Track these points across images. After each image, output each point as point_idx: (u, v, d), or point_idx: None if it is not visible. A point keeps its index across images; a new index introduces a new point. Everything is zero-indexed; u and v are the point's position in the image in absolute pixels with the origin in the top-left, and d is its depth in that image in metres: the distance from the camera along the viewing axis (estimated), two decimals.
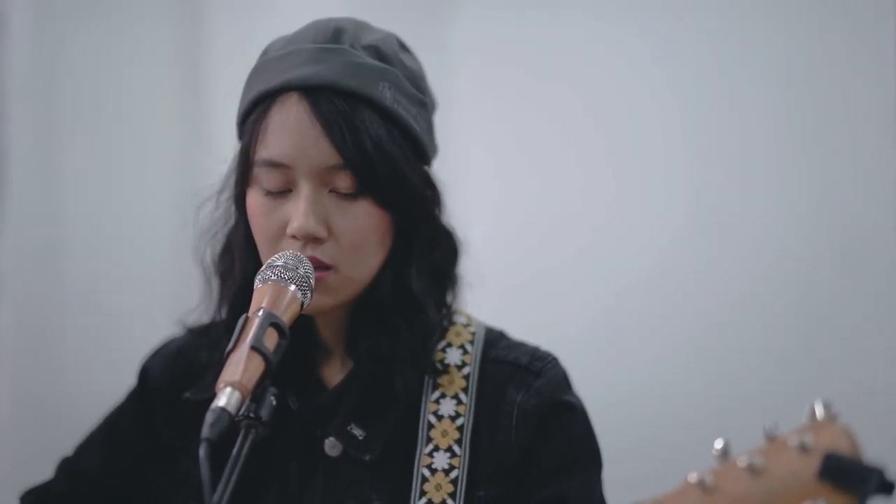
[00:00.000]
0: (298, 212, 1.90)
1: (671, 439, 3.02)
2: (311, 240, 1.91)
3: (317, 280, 1.88)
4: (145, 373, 2.21)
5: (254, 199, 1.97)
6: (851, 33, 2.99)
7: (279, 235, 1.93)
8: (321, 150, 1.90)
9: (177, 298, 2.16)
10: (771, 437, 1.46)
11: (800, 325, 3.04)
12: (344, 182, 1.92)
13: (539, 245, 3.22)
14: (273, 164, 1.92)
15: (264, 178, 1.94)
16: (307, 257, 1.89)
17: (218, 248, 2.10)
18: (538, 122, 3.24)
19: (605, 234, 3.18)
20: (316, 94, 1.92)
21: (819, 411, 1.44)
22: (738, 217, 3.11)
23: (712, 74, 3.12)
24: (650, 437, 3.05)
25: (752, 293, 3.09)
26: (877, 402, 2.87)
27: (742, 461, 1.45)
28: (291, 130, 1.91)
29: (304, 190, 1.91)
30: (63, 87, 3.36)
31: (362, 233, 1.93)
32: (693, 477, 1.48)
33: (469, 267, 2.09)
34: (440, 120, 2.11)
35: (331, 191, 1.93)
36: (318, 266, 1.90)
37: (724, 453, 1.48)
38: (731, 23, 3.13)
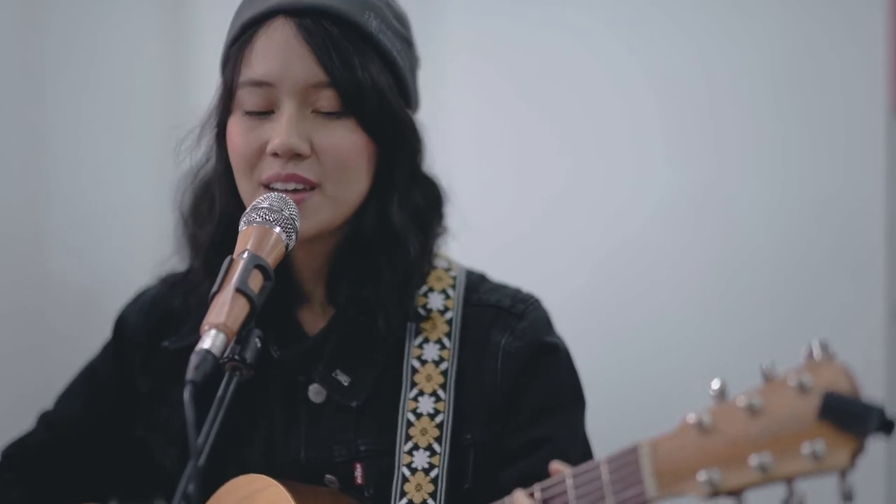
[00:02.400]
0: (281, 128, 1.88)
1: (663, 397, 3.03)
2: (292, 156, 1.88)
3: (300, 202, 1.86)
4: (121, 323, 2.20)
5: (234, 124, 1.94)
6: (836, 21, 2.98)
7: (259, 156, 1.90)
8: (307, 68, 1.89)
9: (160, 242, 2.13)
10: (769, 378, 1.44)
11: (777, 300, 3.04)
12: (328, 101, 1.90)
13: (525, 229, 3.22)
14: (257, 84, 1.90)
15: (247, 100, 1.92)
16: (287, 175, 1.87)
17: (197, 193, 2.07)
18: (523, 108, 3.22)
19: (589, 212, 3.18)
20: (302, 16, 1.90)
21: (816, 351, 1.42)
22: (718, 199, 3.11)
23: (693, 62, 3.11)
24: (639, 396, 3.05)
25: (730, 272, 3.09)
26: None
27: (741, 401, 1.44)
28: (277, 49, 1.90)
29: (287, 108, 1.89)
30: (46, 72, 3.31)
31: (345, 151, 1.91)
32: (691, 417, 1.47)
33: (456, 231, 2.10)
34: (429, 111, 2.09)
35: (314, 111, 1.91)
36: (302, 183, 1.88)
37: (722, 393, 1.47)
38: (712, 10, 3.12)
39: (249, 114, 1.91)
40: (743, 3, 3.05)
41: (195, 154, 2.04)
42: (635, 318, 2.94)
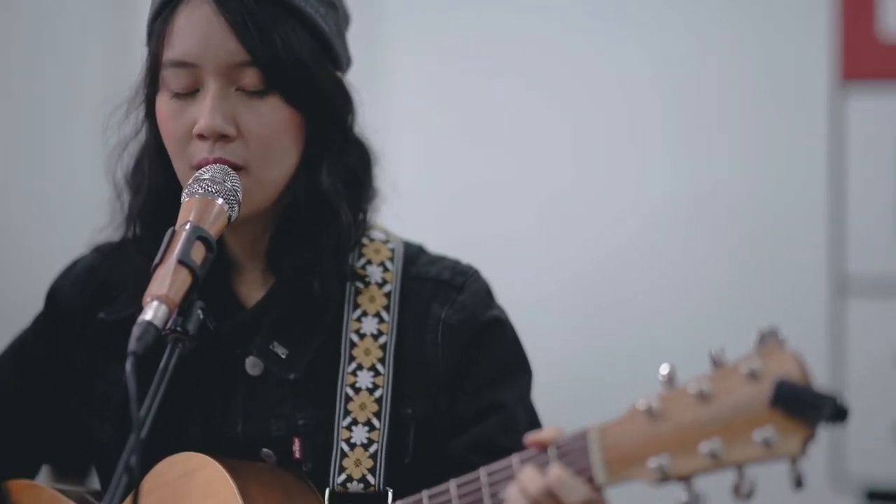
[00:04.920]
0: (205, 110, 1.86)
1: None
2: (218, 139, 1.86)
3: None
4: (54, 294, 2.15)
5: (162, 104, 1.91)
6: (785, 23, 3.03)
7: (188, 138, 1.88)
8: (227, 47, 1.86)
9: (96, 212, 2.09)
10: (719, 364, 1.45)
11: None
12: (251, 79, 1.87)
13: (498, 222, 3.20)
14: (179, 64, 1.88)
15: (171, 80, 1.89)
16: (214, 159, 1.85)
17: (130, 162, 2.03)
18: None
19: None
20: None
21: (767, 337, 1.43)
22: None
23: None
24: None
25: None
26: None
27: (691, 388, 1.44)
28: (197, 29, 1.87)
29: (211, 88, 1.86)
30: None
31: (271, 130, 1.88)
32: (641, 403, 1.47)
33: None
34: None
35: (238, 89, 1.88)
36: (229, 167, 1.85)
37: (671, 379, 1.47)
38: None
39: (176, 95, 1.89)
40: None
41: (124, 127, 2.01)
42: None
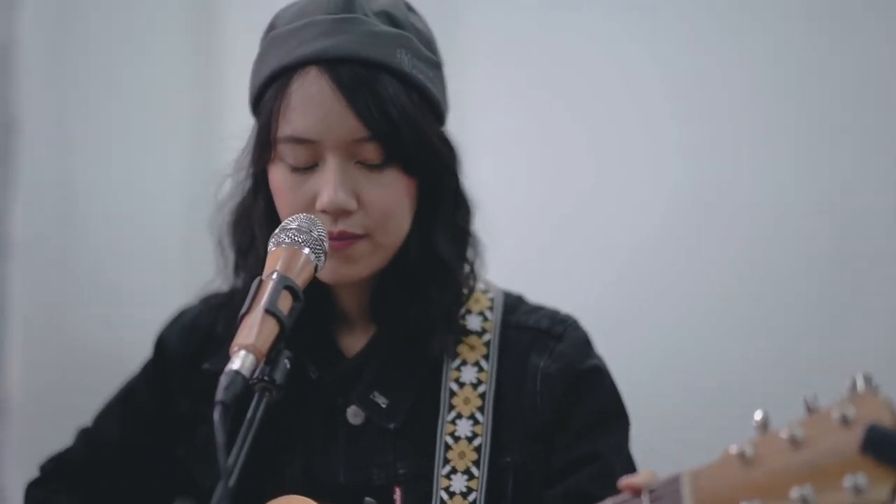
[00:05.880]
0: (328, 186, 1.87)
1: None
2: (341, 213, 1.88)
3: (348, 249, 1.87)
4: (162, 343, 2.19)
5: (279, 176, 1.93)
6: (845, 18, 2.97)
7: (307, 209, 1.89)
8: (347, 124, 1.87)
9: (188, 272, 2.13)
10: (812, 409, 1.42)
11: (790, 307, 3.01)
12: (371, 153, 1.88)
13: (549, 228, 3.18)
14: (298, 140, 1.88)
15: (289, 155, 1.90)
16: (338, 232, 1.87)
17: (234, 220, 2.06)
18: (548, 110, 3.19)
19: (613, 215, 3.15)
20: (336, 67, 1.87)
21: (860, 384, 1.39)
22: (732, 198, 3.08)
23: (710, 64, 3.08)
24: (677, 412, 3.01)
25: (748, 271, 3.06)
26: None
27: (783, 433, 1.41)
28: (315, 105, 1.87)
29: (332, 163, 1.88)
30: (76, 57, 3.33)
31: (391, 201, 1.90)
32: (733, 448, 1.44)
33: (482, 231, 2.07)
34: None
35: (358, 162, 1.89)
36: (351, 237, 1.88)
37: (765, 424, 1.44)
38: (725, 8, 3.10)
39: (295, 170, 1.90)
40: (755, 2, 3.04)
41: (230, 185, 2.05)
42: (654, 320, 2.90)
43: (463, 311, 2.03)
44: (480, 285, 2.08)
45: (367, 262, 1.91)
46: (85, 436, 2.22)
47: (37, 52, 3.24)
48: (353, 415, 1.99)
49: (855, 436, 1.35)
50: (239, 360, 1.60)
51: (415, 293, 1.97)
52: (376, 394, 1.98)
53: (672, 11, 3.10)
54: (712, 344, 3.01)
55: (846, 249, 2.94)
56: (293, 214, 1.89)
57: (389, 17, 1.93)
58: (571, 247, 3.13)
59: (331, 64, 1.87)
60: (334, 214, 1.88)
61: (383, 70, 1.88)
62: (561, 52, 3.17)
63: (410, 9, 2.01)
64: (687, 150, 3.10)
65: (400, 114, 1.87)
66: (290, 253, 1.77)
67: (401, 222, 1.93)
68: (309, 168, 1.90)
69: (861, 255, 2.93)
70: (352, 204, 1.87)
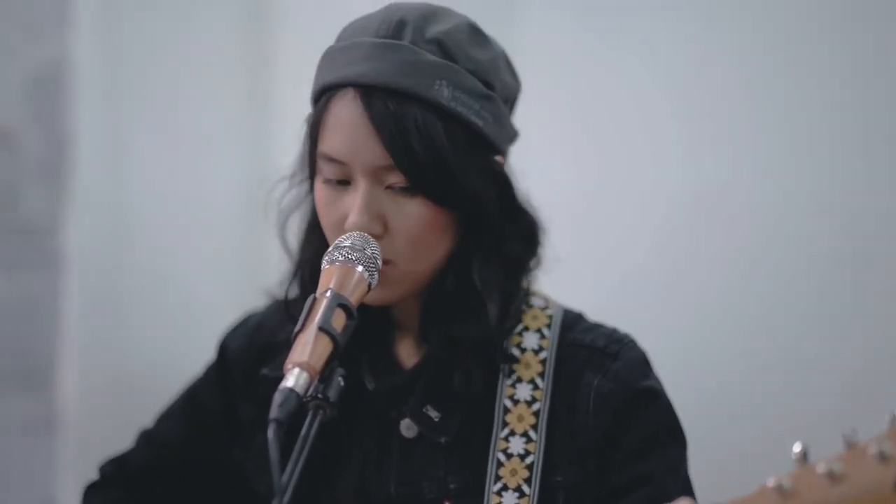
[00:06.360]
0: (354, 208, 1.89)
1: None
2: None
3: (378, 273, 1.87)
4: (224, 348, 2.23)
5: (318, 189, 1.96)
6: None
7: (340, 226, 1.92)
8: (373, 151, 1.88)
9: (244, 282, 2.15)
10: (850, 444, 1.42)
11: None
12: (398, 179, 1.89)
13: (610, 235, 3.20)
14: (330, 159, 1.91)
15: (325, 170, 1.93)
16: None
17: (298, 225, 2.10)
18: (605, 116, 3.21)
19: (680, 224, 3.14)
20: (370, 94, 1.88)
21: None
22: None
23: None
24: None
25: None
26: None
27: (821, 467, 1.41)
28: (345, 129, 1.89)
29: (361, 186, 1.90)
30: (130, 71, 3.36)
31: (418, 229, 1.91)
32: (771, 481, 1.44)
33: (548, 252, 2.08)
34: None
35: (387, 187, 1.91)
36: None
37: (803, 457, 1.45)
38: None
39: (331, 183, 1.93)
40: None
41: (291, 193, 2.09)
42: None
43: (521, 327, 2.04)
44: (540, 301, 2.08)
45: (395, 288, 1.92)
46: (146, 437, 2.26)
47: (91, 67, 3.28)
48: (407, 428, 2.01)
49: (891, 472, 1.36)
50: (293, 378, 1.62)
51: (455, 317, 1.98)
52: (429, 407, 1.99)
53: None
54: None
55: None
56: (329, 228, 1.94)
57: (440, 45, 1.92)
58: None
59: (366, 89, 1.89)
60: None
61: (417, 101, 1.88)
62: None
63: (474, 34, 1.98)
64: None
65: (425, 146, 1.87)
66: (344, 271, 1.80)
67: (429, 251, 1.93)
68: (343, 183, 1.92)
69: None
70: (376, 228, 1.89)
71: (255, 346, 2.18)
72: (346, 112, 1.90)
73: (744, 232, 3.04)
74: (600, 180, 3.16)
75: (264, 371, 2.11)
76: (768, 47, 3.02)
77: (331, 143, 1.91)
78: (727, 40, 3.07)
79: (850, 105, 2.94)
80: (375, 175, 1.90)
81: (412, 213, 1.90)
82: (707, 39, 3.08)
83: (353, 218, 1.89)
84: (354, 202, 1.89)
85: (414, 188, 1.90)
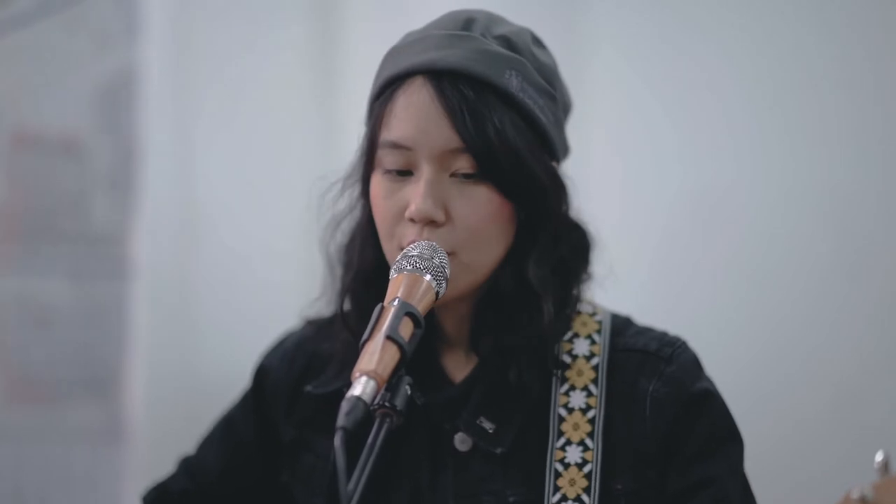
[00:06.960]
0: (417, 194, 1.88)
1: None
2: (428, 223, 1.89)
3: None
4: (262, 373, 2.20)
5: (376, 182, 1.95)
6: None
7: (398, 218, 1.91)
8: (443, 133, 1.88)
9: (312, 287, 2.15)
10: None
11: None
12: (465, 165, 1.89)
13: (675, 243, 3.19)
14: (395, 146, 1.90)
15: (387, 160, 1.92)
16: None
17: (343, 238, 2.08)
18: (672, 116, 3.20)
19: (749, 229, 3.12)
20: (441, 79, 1.89)
21: None
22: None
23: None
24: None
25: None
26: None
27: None
28: (415, 113, 1.89)
29: (425, 173, 1.89)
30: (198, 80, 3.37)
31: (480, 218, 1.90)
32: (854, 491, 1.44)
33: (600, 263, 2.08)
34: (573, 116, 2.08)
35: (452, 175, 1.90)
36: None
37: (885, 466, 1.45)
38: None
39: (389, 172, 1.92)
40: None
41: (339, 203, 2.07)
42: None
43: (570, 335, 2.03)
44: (588, 308, 2.07)
45: (453, 283, 1.88)
46: (186, 464, 2.24)
47: (159, 76, 3.29)
48: (461, 441, 1.99)
49: None
50: (360, 386, 1.62)
51: (507, 323, 1.96)
52: (483, 419, 1.97)
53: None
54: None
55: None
56: (385, 222, 1.92)
57: (507, 42, 1.95)
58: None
59: (436, 75, 1.89)
60: (421, 224, 1.88)
61: (488, 88, 1.89)
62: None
63: (537, 41, 2.02)
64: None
65: (497, 131, 1.88)
66: (412, 279, 1.79)
67: (491, 243, 1.93)
68: (404, 175, 1.91)
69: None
70: (439, 215, 1.88)
71: (296, 365, 2.16)
72: (416, 98, 1.90)
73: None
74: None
75: (308, 388, 2.10)
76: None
77: (397, 129, 1.90)
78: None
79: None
80: (441, 161, 1.89)
81: (477, 201, 1.90)
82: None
83: (416, 204, 1.88)
84: (417, 190, 1.89)
85: (481, 174, 1.89)
